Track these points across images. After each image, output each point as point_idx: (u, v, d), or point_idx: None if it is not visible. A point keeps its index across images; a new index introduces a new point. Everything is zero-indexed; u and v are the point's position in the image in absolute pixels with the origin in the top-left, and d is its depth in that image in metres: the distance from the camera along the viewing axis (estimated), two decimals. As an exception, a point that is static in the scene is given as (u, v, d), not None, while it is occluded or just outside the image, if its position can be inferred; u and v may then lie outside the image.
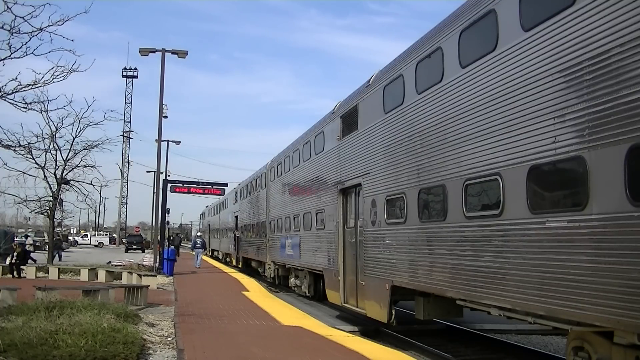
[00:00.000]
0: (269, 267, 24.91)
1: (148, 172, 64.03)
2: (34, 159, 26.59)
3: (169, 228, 49.20)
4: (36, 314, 10.22)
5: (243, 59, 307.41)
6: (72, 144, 27.94)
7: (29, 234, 62.81)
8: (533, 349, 11.34)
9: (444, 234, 9.36)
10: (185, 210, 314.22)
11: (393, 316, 11.38)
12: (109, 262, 32.12)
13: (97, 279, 22.95)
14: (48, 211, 28.89)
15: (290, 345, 10.01)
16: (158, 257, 27.11)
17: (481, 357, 11.07)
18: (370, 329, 13.31)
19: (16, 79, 11.62)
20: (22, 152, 24.25)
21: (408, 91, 10.83)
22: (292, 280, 21.43)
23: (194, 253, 35.51)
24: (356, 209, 13.78)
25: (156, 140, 28.76)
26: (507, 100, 7.64)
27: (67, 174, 28.41)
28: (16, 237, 44.71)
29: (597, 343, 6.73)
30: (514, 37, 7.57)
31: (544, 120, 6.87)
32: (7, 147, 15.96)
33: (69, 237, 76.56)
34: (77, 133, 27.85)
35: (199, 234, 47.58)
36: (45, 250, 36.79)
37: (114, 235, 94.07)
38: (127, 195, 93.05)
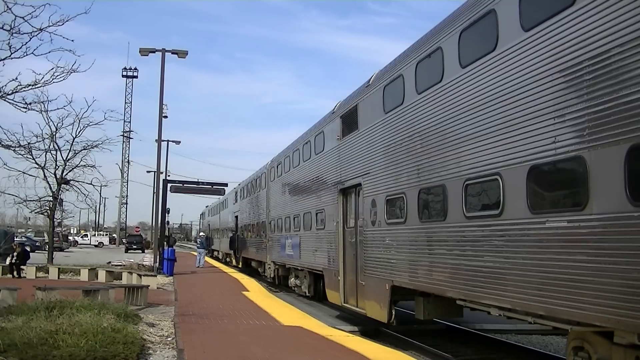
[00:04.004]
0: (269, 267, 24.90)
1: (148, 172, 64.09)
2: (34, 159, 26.62)
3: (169, 228, 49.14)
4: (36, 314, 10.21)
5: (244, 59, 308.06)
6: (72, 144, 27.95)
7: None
8: (533, 349, 11.34)
9: (444, 234, 9.36)
10: (185, 210, 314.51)
11: (393, 316, 11.38)
12: (109, 262, 32.11)
13: (97, 279, 22.94)
14: (48, 211, 28.87)
15: (290, 345, 10.01)
16: (158, 257, 27.11)
17: (481, 357, 11.07)
18: (370, 329, 13.30)
19: (16, 79, 11.66)
20: (22, 152, 24.30)
21: (408, 91, 10.83)
22: (292, 280, 21.43)
23: (195, 253, 35.51)
24: (356, 209, 13.77)
25: (156, 140, 28.77)
26: (507, 100, 7.64)
27: (67, 174, 28.41)
28: (16, 236, 44.64)
29: (597, 343, 6.73)
30: (514, 37, 7.56)
31: (544, 120, 6.87)
32: (7, 147, 16.01)
33: (69, 237, 76.53)
34: (77, 133, 27.86)
35: (201, 234, 47.57)
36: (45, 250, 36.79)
37: (114, 235, 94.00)
38: (127, 195, 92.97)
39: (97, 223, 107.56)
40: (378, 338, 12.48)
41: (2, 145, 14.96)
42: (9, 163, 32.44)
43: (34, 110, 12.96)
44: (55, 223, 34.08)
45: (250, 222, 31.18)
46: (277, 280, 23.98)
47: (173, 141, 51.97)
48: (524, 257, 7.19)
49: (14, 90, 11.76)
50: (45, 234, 49.16)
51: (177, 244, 54.11)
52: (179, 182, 32.95)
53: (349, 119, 14.37)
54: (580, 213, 6.23)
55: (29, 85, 11.84)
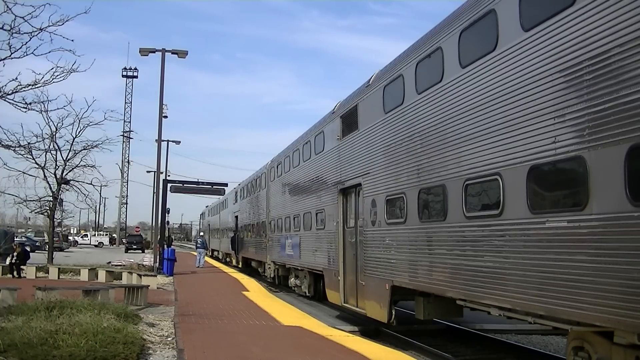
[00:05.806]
0: (269, 267, 24.90)
1: (148, 172, 64.01)
2: (34, 159, 26.63)
3: (168, 228, 49.17)
4: (36, 314, 10.22)
5: (245, 59, 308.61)
6: (72, 144, 27.95)
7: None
8: (533, 349, 11.34)
9: (444, 234, 9.36)
10: (185, 210, 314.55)
11: (393, 316, 11.38)
12: (109, 262, 32.11)
13: (97, 279, 22.95)
14: (48, 211, 28.87)
15: (290, 345, 10.02)
16: (158, 257, 27.12)
17: (481, 357, 11.07)
18: (370, 329, 13.30)
19: (16, 79, 11.68)
20: (22, 152, 24.33)
21: (408, 91, 10.83)
22: (292, 280, 21.43)
23: (195, 253, 35.53)
24: (356, 209, 13.77)
25: (156, 140, 28.78)
26: (507, 100, 7.64)
27: (67, 174, 28.41)
28: (16, 236, 44.61)
29: (597, 343, 6.73)
30: (514, 37, 7.57)
31: (544, 120, 6.87)
32: (7, 147, 16.03)
33: (69, 237, 76.53)
34: (77, 133, 27.86)
35: (201, 234, 47.69)
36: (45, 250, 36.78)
37: (114, 235, 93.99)
38: (127, 195, 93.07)
39: (97, 223, 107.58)
40: (378, 338, 12.48)
41: (2, 145, 14.99)
42: (9, 163, 32.50)
43: (34, 110, 12.99)
44: (55, 223, 34.04)
45: (250, 222, 31.18)
46: (277, 280, 23.97)
47: (173, 141, 51.98)
48: (524, 257, 7.18)
49: (14, 90, 11.79)
50: (45, 234, 49.14)
51: (174, 243, 54.10)
52: (179, 182, 32.96)
53: (349, 119, 14.37)
54: (580, 213, 6.23)
55: (29, 85, 11.86)
